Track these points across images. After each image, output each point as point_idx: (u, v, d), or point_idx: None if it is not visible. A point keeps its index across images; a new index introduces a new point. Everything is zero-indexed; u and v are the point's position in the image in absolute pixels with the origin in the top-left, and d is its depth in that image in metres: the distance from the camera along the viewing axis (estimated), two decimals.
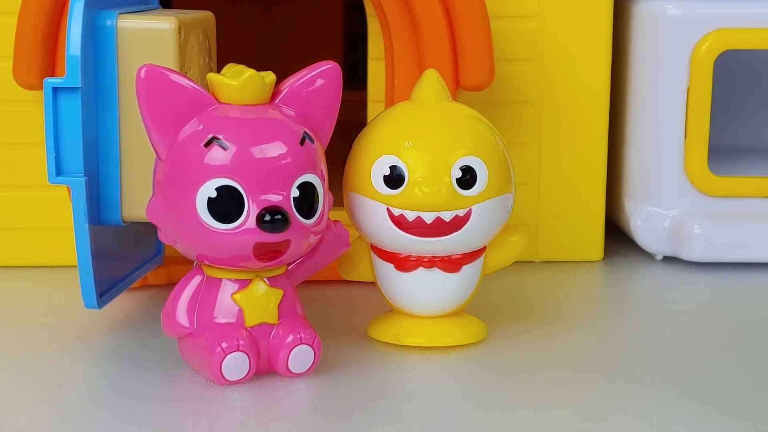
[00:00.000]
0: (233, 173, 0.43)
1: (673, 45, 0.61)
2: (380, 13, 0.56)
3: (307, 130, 0.45)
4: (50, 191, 0.56)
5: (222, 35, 0.57)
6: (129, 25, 0.47)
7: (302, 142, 0.44)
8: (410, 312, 0.49)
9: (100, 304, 0.48)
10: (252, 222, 0.43)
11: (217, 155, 0.43)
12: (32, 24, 0.52)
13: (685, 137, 0.62)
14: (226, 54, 0.57)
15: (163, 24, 0.48)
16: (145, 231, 0.55)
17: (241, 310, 0.45)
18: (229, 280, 0.45)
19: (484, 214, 0.48)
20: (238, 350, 0.44)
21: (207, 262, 0.45)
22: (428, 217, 0.47)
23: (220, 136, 0.43)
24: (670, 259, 0.63)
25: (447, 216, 0.47)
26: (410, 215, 0.47)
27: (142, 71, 0.43)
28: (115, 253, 0.51)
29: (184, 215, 0.44)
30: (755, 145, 0.75)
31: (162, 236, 0.45)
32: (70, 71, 0.45)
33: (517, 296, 0.57)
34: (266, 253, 0.44)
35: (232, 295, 0.45)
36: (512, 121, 0.61)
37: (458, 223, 0.47)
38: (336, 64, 0.46)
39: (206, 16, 0.53)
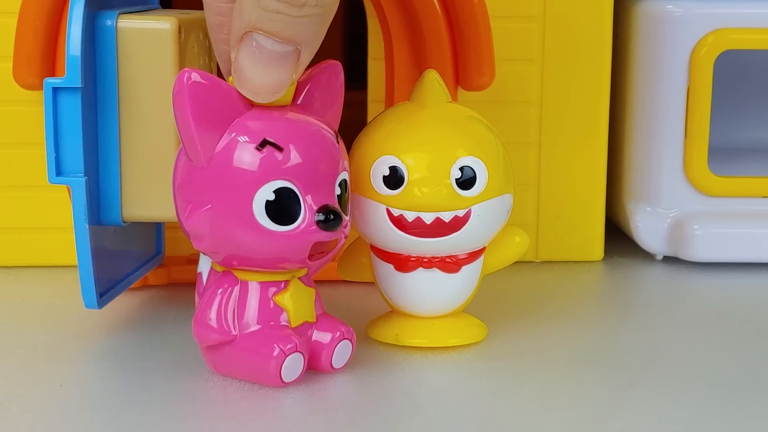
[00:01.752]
0: (290, 174, 0.43)
1: (673, 45, 0.61)
2: (380, 13, 0.56)
3: (333, 130, 0.45)
4: (50, 191, 0.56)
5: None
6: (129, 25, 0.47)
7: (337, 141, 0.45)
8: (410, 312, 0.49)
9: (100, 304, 0.48)
10: (311, 222, 0.43)
11: (272, 157, 0.43)
12: (32, 24, 0.52)
13: (685, 137, 0.62)
14: None
15: (163, 24, 0.48)
16: (145, 231, 0.55)
17: (285, 312, 0.45)
18: (268, 282, 0.45)
19: (483, 215, 0.48)
20: (296, 351, 0.44)
21: (246, 267, 0.44)
22: (428, 218, 0.47)
23: (271, 139, 0.43)
24: (670, 259, 0.63)
25: (446, 216, 0.47)
26: (410, 216, 0.47)
27: (188, 76, 0.42)
28: (115, 253, 0.51)
29: (240, 220, 0.43)
30: (755, 145, 0.75)
31: (201, 245, 0.44)
32: (70, 71, 0.45)
33: (517, 296, 0.57)
34: (319, 252, 0.44)
35: (274, 297, 0.45)
36: (512, 121, 0.61)
37: (458, 223, 0.47)
38: (338, 62, 0.46)
39: None
